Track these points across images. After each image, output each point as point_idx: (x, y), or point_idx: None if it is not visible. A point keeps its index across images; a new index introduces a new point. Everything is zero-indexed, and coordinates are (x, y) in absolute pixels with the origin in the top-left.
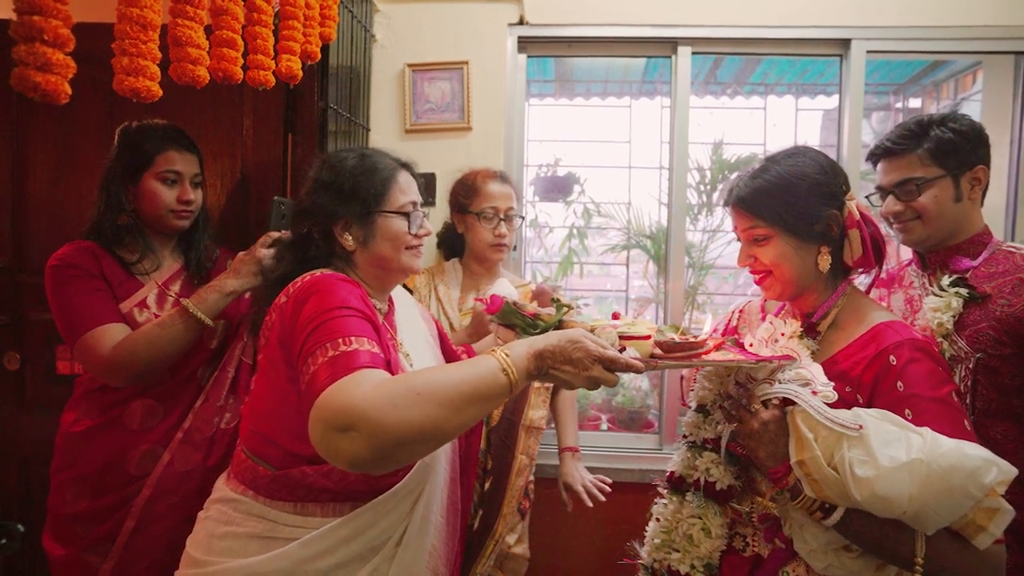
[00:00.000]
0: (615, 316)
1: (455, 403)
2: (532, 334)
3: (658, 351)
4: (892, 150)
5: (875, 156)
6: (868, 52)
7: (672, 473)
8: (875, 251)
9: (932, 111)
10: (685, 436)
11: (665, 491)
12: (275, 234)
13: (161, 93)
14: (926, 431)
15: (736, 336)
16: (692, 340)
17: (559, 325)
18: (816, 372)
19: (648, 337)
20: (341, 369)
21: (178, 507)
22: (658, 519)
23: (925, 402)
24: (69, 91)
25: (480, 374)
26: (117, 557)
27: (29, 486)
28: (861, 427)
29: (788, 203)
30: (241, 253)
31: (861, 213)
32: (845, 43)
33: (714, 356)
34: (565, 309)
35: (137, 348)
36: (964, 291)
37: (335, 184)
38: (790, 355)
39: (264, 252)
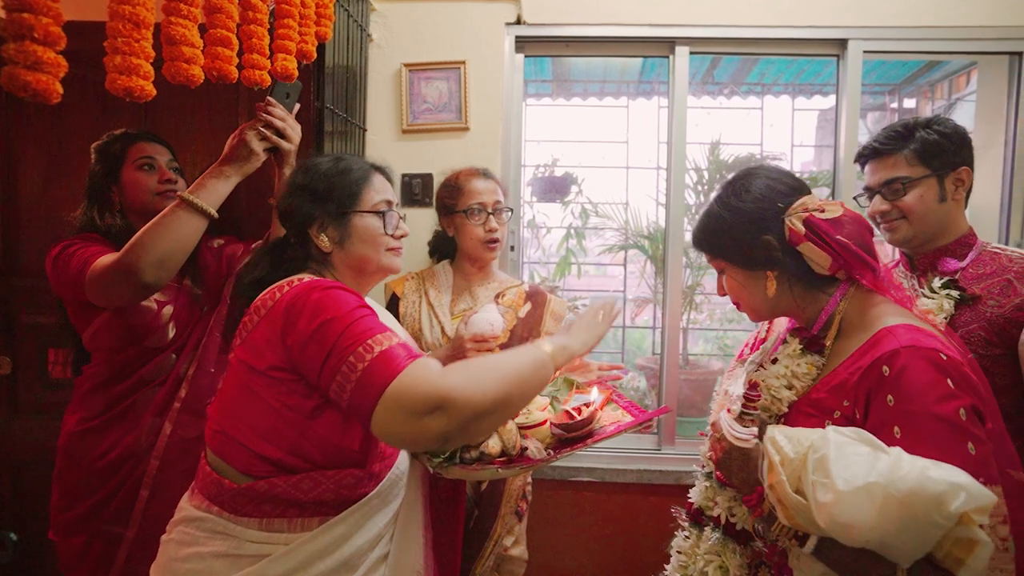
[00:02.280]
0: None
1: (513, 372)
2: (442, 455)
3: (557, 431)
4: (879, 150)
5: (863, 157)
6: (865, 52)
7: (691, 504)
8: (846, 253)
9: (927, 111)
10: (703, 467)
11: (685, 523)
12: (274, 113)
13: (155, 92)
14: (895, 451)
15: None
16: (583, 409)
17: (468, 445)
18: (735, 388)
19: (544, 423)
20: (393, 364)
21: (190, 473)
22: (679, 552)
23: (918, 419)
24: (61, 90)
25: (525, 352)
26: (138, 525)
27: (23, 493)
28: (753, 437)
29: (725, 237)
30: (230, 138)
31: (814, 222)
32: (842, 43)
33: (604, 421)
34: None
35: (144, 241)
36: (955, 293)
37: (310, 186)
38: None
39: (252, 134)
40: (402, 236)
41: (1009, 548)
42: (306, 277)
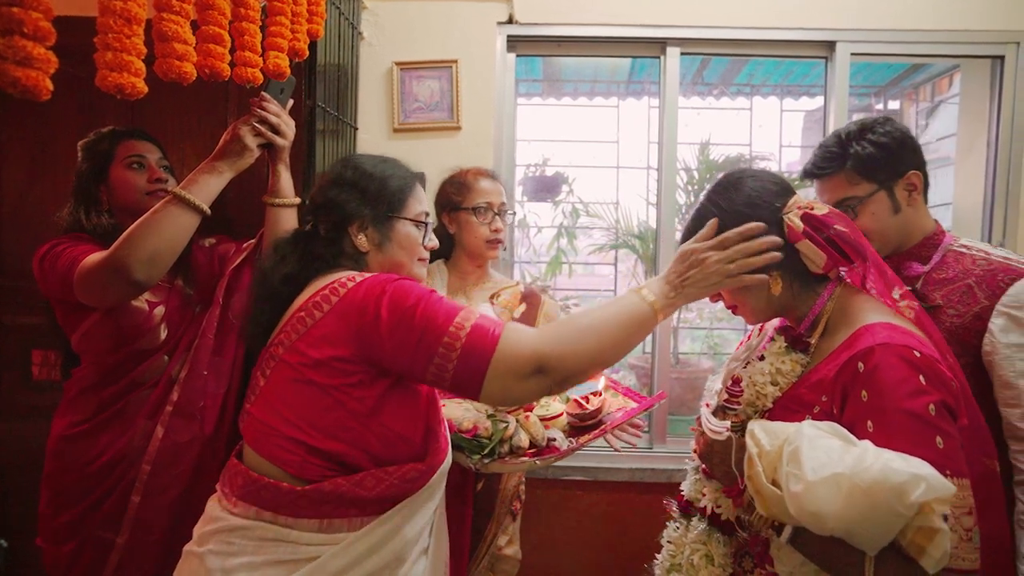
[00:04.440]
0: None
1: (611, 333)
2: (481, 452)
3: (572, 419)
4: (817, 175)
5: (807, 177)
6: (852, 54)
7: (681, 496)
8: (840, 250)
9: (912, 113)
10: (693, 460)
11: (675, 514)
12: (268, 109)
13: (147, 90)
14: (863, 443)
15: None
16: (590, 398)
17: (502, 438)
18: (713, 384)
19: (561, 414)
20: (490, 335)
21: (182, 477)
22: (669, 542)
23: (889, 414)
24: (51, 87)
25: (627, 308)
26: (129, 531)
27: (6, 496)
28: (727, 430)
29: None
30: (224, 134)
31: (811, 217)
32: (830, 45)
33: (611, 407)
34: (503, 426)
35: (135, 237)
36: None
37: (359, 184)
38: (664, 394)
39: (246, 129)
40: (432, 248)
41: (973, 538)
42: (356, 274)
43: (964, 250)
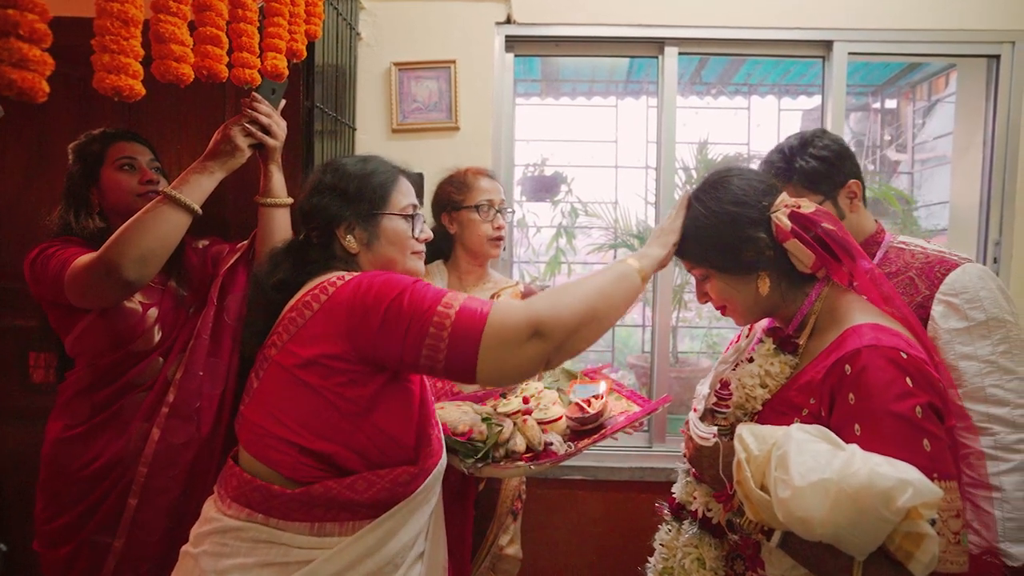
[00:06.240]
0: (525, 400)
1: (598, 284)
2: (475, 456)
3: (572, 423)
4: None
5: None
6: (849, 54)
7: (673, 499)
8: (828, 249)
9: (908, 112)
10: (684, 463)
11: (667, 516)
12: (259, 109)
13: (144, 92)
14: (850, 448)
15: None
16: (592, 401)
17: (496, 442)
18: (701, 389)
19: (560, 418)
20: (478, 311)
21: (179, 479)
22: (661, 544)
23: (876, 416)
24: (47, 89)
25: (608, 269)
26: (126, 534)
27: (3, 500)
28: (713, 436)
29: (709, 244)
30: (215, 134)
31: (799, 215)
32: (828, 45)
33: (613, 411)
34: (498, 429)
35: (126, 237)
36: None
37: (339, 187)
38: (669, 397)
39: (236, 130)
40: (425, 240)
41: (961, 541)
42: (345, 274)
43: (903, 246)
